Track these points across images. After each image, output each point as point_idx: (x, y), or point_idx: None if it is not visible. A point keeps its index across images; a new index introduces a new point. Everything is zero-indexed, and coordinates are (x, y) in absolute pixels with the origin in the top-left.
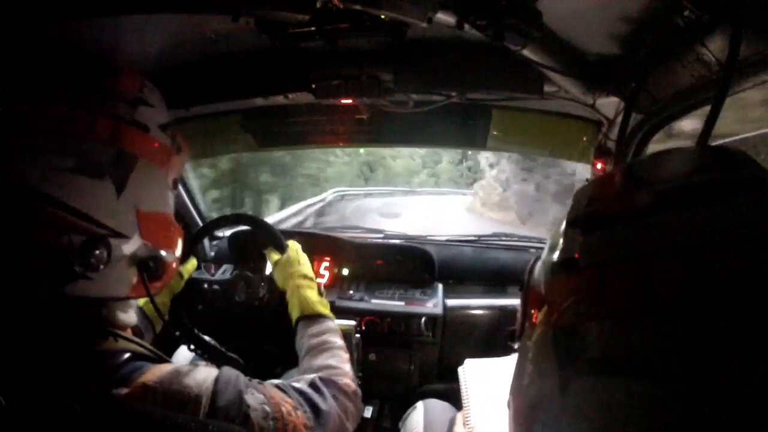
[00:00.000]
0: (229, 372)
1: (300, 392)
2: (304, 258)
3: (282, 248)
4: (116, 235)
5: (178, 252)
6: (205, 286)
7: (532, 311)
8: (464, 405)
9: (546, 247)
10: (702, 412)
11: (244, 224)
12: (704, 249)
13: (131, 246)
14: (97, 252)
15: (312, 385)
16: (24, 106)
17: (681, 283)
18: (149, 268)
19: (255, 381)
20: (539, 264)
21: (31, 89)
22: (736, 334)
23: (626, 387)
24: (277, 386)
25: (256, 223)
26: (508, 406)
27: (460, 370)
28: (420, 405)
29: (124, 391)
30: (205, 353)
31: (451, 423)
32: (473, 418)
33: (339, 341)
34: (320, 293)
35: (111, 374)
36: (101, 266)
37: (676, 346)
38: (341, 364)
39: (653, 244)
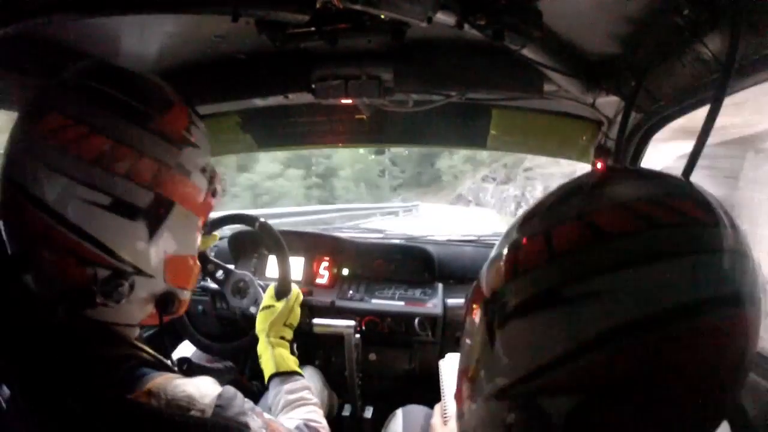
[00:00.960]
0: (232, 390)
1: (289, 430)
2: (293, 315)
3: (283, 294)
4: (141, 274)
5: (193, 286)
6: (209, 266)
7: (472, 306)
8: (442, 396)
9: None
10: (607, 325)
11: (268, 237)
12: (588, 214)
13: (153, 285)
14: (120, 288)
15: (298, 428)
16: (64, 119)
17: (574, 238)
18: (166, 304)
19: (254, 405)
20: (483, 271)
21: (75, 100)
22: (619, 261)
23: (541, 318)
24: (272, 419)
25: (279, 245)
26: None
27: (441, 362)
28: (399, 412)
29: (128, 397)
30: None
31: (429, 416)
32: (450, 408)
33: (314, 398)
34: (293, 352)
35: (115, 380)
36: (121, 300)
37: (577, 276)
38: (320, 418)
39: (553, 219)
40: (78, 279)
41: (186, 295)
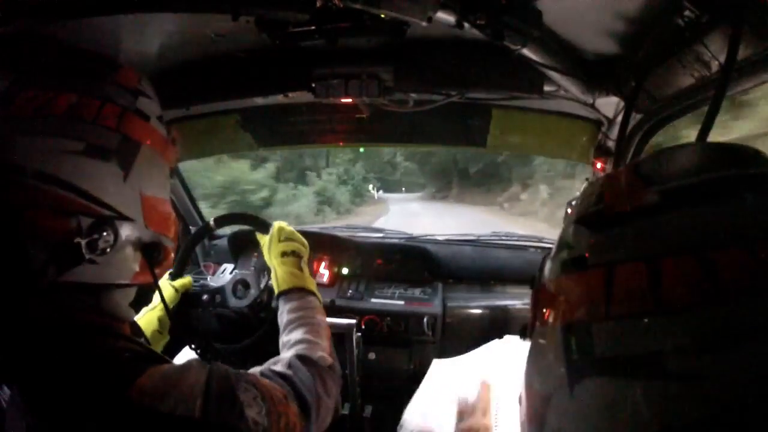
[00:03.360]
0: (219, 369)
1: (283, 377)
2: (286, 233)
3: (265, 229)
4: (122, 218)
5: (175, 238)
6: (204, 297)
7: (543, 309)
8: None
9: (555, 244)
10: (710, 413)
11: (227, 224)
12: (712, 248)
13: (136, 230)
14: (105, 234)
15: (291, 366)
16: (33, 93)
17: (690, 283)
18: (152, 253)
19: (243, 372)
20: (549, 261)
21: (39, 79)
22: (744, 333)
23: (635, 388)
24: (263, 374)
25: (237, 216)
26: (520, 401)
27: (435, 361)
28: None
29: (122, 392)
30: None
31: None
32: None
33: (317, 316)
34: (299, 268)
35: (110, 376)
36: (108, 250)
37: (685, 346)
38: (317, 338)
39: (661, 242)
40: (62, 231)
41: (170, 244)
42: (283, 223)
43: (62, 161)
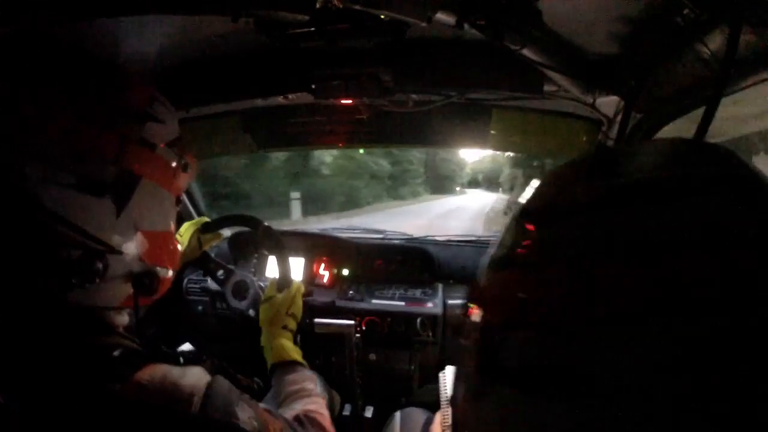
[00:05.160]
0: (222, 381)
1: (286, 421)
2: (296, 305)
3: (284, 286)
4: (114, 252)
5: (175, 266)
6: (211, 264)
7: (470, 310)
8: (442, 406)
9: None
10: None
11: (272, 241)
12: (663, 250)
13: (128, 262)
14: (93, 266)
15: (297, 418)
16: (29, 113)
17: (633, 290)
18: (144, 283)
19: (246, 396)
20: (484, 259)
21: (37, 95)
22: (689, 356)
23: (541, 405)
24: (266, 409)
25: (278, 245)
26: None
27: (441, 374)
28: (397, 415)
29: (117, 387)
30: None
31: (428, 419)
32: (450, 417)
33: (317, 389)
34: (295, 342)
35: (104, 370)
36: (97, 279)
37: (614, 365)
38: (322, 409)
39: (596, 242)
40: (52, 262)
41: (167, 274)
42: (302, 289)
43: (53, 193)
